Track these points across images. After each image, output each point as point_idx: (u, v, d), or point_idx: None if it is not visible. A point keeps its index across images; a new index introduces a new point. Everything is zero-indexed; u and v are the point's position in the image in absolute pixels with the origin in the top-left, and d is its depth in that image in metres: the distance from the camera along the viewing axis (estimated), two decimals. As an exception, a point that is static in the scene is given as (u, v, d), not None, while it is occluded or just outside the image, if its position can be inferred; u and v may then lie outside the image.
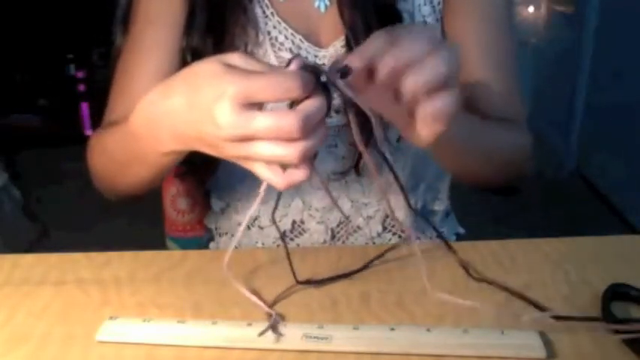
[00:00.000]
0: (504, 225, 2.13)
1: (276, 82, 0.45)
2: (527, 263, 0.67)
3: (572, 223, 2.19)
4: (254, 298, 0.60)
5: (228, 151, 0.49)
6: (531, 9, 3.16)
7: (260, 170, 0.49)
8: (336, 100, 0.50)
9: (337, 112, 0.73)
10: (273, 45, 0.75)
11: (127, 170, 0.68)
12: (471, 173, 0.75)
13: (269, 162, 0.49)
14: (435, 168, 0.85)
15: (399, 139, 0.77)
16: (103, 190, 0.77)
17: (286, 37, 0.75)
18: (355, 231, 0.84)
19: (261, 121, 0.46)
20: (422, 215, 0.87)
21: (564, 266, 0.66)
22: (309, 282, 0.64)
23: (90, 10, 2.86)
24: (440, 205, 0.89)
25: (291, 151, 0.47)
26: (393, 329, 0.56)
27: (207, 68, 0.48)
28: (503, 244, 0.71)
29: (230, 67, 0.47)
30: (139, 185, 0.71)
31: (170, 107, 0.51)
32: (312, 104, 0.46)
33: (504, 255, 0.69)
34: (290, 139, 0.46)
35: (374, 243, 0.84)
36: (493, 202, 2.36)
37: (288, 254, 0.64)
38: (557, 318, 0.56)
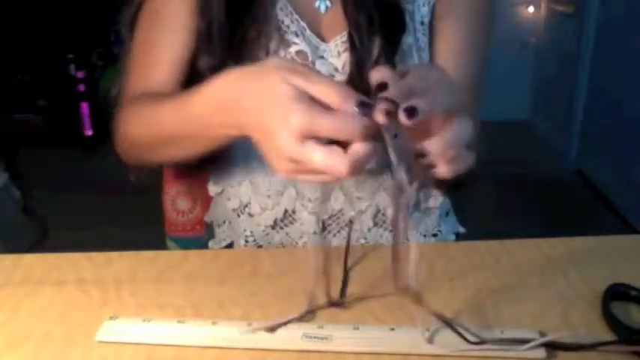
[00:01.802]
0: (504, 225, 2.13)
1: (339, 125, 0.48)
2: (527, 263, 0.67)
3: (572, 223, 2.19)
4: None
5: (281, 166, 0.51)
6: (531, 9, 3.17)
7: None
8: None
9: None
10: (279, 29, 0.76)
11: (174, 144, 0.68)
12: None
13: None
14: None
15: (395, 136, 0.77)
16: (131, 157, 0.78)
17: (292, 22, 0.76)
18: (347, 224, 0.84)
19: (317, 156, 0.48)
20: (418, 212, 0.87)
21: (564, 266, 0.66)
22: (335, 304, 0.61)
23: (89, 10, 2.86)
24: (434, 202, 0.89)
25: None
26: (393, 329, 0.56)
27: (276, 88, 0.49)
28: (503, 244, 0.71)
29: (297, 92, 0.49)
30: (181, 158, 0.72)
31: (243, 105, 0.53)
32: (363, 149, 0.48)
33: (504, 255, 0.69)
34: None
35: (365, 238, 0.84)
36: (493, 202, 2.37)
37: (346, 271, 0.64)
38: (565, 348, 0.54)
